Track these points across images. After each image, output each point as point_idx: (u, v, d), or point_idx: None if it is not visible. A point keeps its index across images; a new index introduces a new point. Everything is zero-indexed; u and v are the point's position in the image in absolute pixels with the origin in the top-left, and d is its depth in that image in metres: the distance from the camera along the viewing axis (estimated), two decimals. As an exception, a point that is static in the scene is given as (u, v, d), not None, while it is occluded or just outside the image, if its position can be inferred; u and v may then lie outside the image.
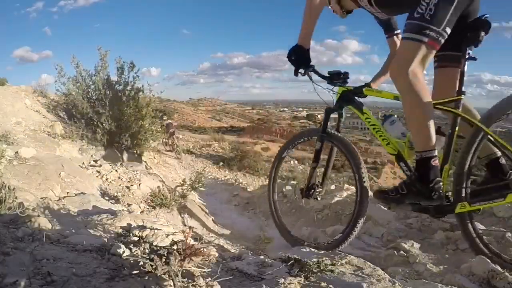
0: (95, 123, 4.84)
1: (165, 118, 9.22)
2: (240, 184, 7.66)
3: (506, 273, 1.58)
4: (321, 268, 1.44)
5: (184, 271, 1.05)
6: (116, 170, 4.16)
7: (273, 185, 2.40)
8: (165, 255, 1.05)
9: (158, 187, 3.72)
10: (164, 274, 1.01)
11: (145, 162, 5.51)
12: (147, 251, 1.21)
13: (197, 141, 15.22)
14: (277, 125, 50.54)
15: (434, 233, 3.53)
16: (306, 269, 1.40)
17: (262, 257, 1.87)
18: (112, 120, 4.87)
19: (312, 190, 2.13)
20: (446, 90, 1.54)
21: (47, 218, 1.77)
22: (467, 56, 1.47)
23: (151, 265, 1.01)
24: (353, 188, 5.13)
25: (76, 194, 2.95)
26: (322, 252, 2.19)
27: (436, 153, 1.43)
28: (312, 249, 2.07)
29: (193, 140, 15.66)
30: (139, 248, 1.34)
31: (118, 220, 2.02)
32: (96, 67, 5.17)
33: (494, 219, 3.72)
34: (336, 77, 1.89)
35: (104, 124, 4.79)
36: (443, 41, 1.38)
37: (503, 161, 1.49)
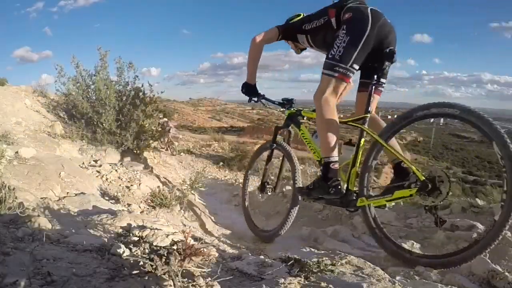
0: (95, 123, 4.83)
1: (161, 116, 9.23)
2: (240, 184, 7.66)
3: (506, 273, 1.58)
4: (321, 268, 1.44)
5: (184, 271, 1.05)
6: (116, 170, 4.15)
7: (244, 197, 2.96)
8: (165, 255, 1.05)
9: (158, 187, 3.72)
10: (164, 274, 1.01)
11: (145, 162, 5.50)
12: (147, 251, 1.21)
13: (197, 141, 15.22)
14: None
15: (434, 233, 3.53)
16: (306, 269, 1.40)
17: (262, 257, 1.87)
18: (112, 120, 4.87)
19: (265, 187, 2.71)
20: (361, 110, 1.87)
21: (47, 218, 1.77)
22: (373, 82, 1.80)
23: (151, 265, 1.01)
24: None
25: (76, 194, 2.95)
26: (322, 252, 2.19)
27: (335, 159, 1.78)
28: (312, 249, 2.07)
29: (193, 140, 15.66)
30: (139, 248, 1.34)
31: (118, 220, 2.02)
32: (96, 67, 5.16)
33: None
34: (286, 103, 2.46)
35: (104, 124, 4.78)
36: (351, 74, 1.75)
37: (404, 165, 1.74)
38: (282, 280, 1.26)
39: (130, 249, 1.31)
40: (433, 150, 50.26)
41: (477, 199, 4.11)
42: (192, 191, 4.68)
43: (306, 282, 1.30)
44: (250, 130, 46.72)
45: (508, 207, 1.28)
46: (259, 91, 2.32)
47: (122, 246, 1.31)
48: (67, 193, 2.93)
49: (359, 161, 1.78)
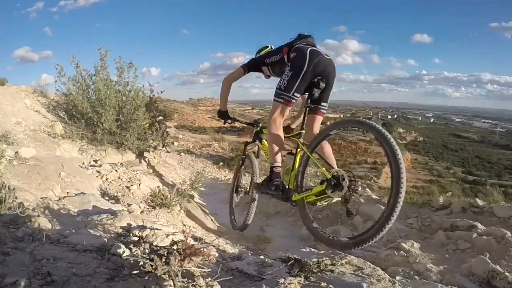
0: (95, 123, 4.83)
1: (157, 114, 9.25)
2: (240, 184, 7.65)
3: (506, 273, 1.58)
4: (321, 268, 1.44)
5: (184, 271, 1.05)
6: (116, 170, 4.15)
7: (231, 211, 3.44)
8: (165, 255, 1.05)
9: (158, 187, 3.72)
10: (164, 274, 1.01)
11: (145, 162, 5.50)
12: (147, 251, 1.21)
13: (197, 141, 15.21)
14: (277, 125, 50.44)
15: (434, 233, 3.53)
16: (306, 269, 1.40)
17: (262, 257, 1.87)
18: (112, 120, 4.87)
19: (238, 189, 3.37)
20: (300, 127, 2.32)
21: (47, 218, 1.77)
22: (307, 106, 2.24)
23: (151, 265, 1.01)
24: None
25: (76, 194, 2.95)
26: (322, 252, 2.19)
27: (278, 164, 2.25)
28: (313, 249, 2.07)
29: (193, 140, 15.65)
30: (139, 248, 1.34)
31: (118, 220, 2.02)
32: (96, 67, 5.16)
33: (494, 219, 3.73)
34: (253, 123, 3.08)
35: (104, 124, 4.78)
36: (294, 101, 2.18)
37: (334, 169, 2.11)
38: (282, 280, 1.26)
39: (130, 249, 1.31)
40: (431, 150, 50.32)
41: (477, 199, 4.12)
42: (192, 191, 4.68)
43: (306, 282, 1.30)
44: (250, 130, 46.68)
45: (395, 192, 1.54)
46: (235, 113, 3.20)
47: (122, 246, 1.31)
48: (67, 193, 2.93)
49: (296, 166, 2.20)
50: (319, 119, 2.33)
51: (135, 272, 1.05)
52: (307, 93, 2.21)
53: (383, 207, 4.32)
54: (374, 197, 4.86)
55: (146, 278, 1.04)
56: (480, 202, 3.98)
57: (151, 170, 5.18)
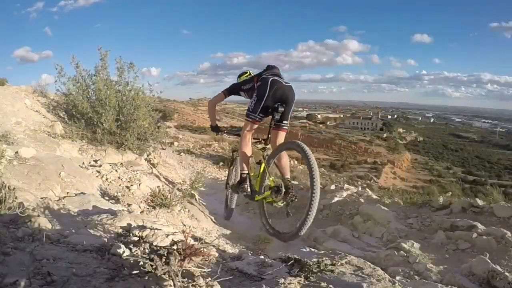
0: (95, 123, 4.83)
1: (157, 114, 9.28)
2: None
3: (506, 273, 1.58)
4: (321, 268, 1.44)
5: (184, 271, 1.05)
6: (116, 170, 4.15)
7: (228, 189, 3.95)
8: (165, 255, 1.05)
9: (158, 187, 3.71)
10: (164, 274, 1.01)
11: (145, 162, 5.50)
12: (147, 251, 1.21)
13: (197, 141, 15.22)
14: (277, 125, 50.47)
15: (434, 233, 3.52)
16: (306, 269, 1.40)
17: (262, 257, 1.87)
18: (112, 120, 4.87)
19: (227, 185, 3.86)
20: (266, 142, 2.93)
21: (47, 218, 1.77)
22: (270, 125, 2.79)
23: (151, 265, 1.01)
24: (353, 188, 5.25)
25: (76, 194, 2.95)
26: (322, 252, 2.19)
27: (245, 171, 2.87)
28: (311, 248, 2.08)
29: (193, 140, 15.66)
30: (139, 248, 1.33)
31: (118, 220, 2.02)
32: (96, 67, 5.15)
33: (494, 219, 3.73)
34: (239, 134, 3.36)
35: (104, 124, 4.78)
36: (259, 120, 2.74)
37: (286, 179, 2.64)
38: (282, 280, 1.26)
39: (130, 249, 1.31)
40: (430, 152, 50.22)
41: (477, 199, 4.12)
42: (192, 191, 4.68)
43: (306, 282, 1.30)
44: (250, 130, 46.71)
45: (312, 193, 2.07)
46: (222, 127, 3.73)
47: (122, 246, 1.31)
48: (67, 193, 2.93)
49: (260, 174, 2.76)
50: (281, 134, 2.82)
51: (135, 272, 1.05)
52: (270, 115, 2.72)
53: (383, 207, 4.31)
54: (374, 197, 4.86)
55: (146, 278, 1.04)
56: (480, 202, 3.97)
57: (151, 170, 5.18)
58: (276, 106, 2.66)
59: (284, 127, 2.80)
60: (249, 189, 2.85)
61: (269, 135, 2.85)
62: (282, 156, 2.66)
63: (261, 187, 2.70)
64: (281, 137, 2.82)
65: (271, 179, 2.54)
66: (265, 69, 3.00)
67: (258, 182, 2.75)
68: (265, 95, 2.66)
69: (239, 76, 3.39)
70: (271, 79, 2.73)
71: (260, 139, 3.04)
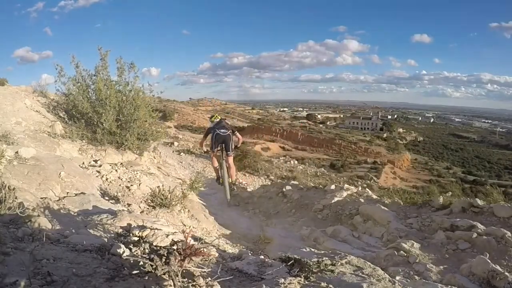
0: (95, 123, 4.83)
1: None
2: (240, 184, 7.67)
3: (506, 273, 1.58)
4: (321, 268, 1.44)
5: (184, 271, 1.05)
6: (116, 170, 4.15)
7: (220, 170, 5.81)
8: (165, 255, 1.05)
9: (158, 187, 3.71)
10: (164, 274, 1.01)
11: (145, 162, 5.50)
12: (147, 251, 1.21)
13: (197, 141, 15.21)
14: (277, 125, 50.53)
15: (434, 233, 3.52)
16: (306, 269, 1.40)
17: (262, 257, 1.87)
18: (112, 120, 4.87)
19: (218, 179, 5.73)
20: (220, 160, 5.59)
21: (47, 218, 1.77)
22: (222, 152, 5.43)
23: (151, 265, 1.01)
24: (353, 188, 5.24)
25: (76, 194, 2.95)
26: (322, 252, 2.19)
27: (215, 173, 5.84)
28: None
29: (193, 140, 15.66)
30: (139, 248, 1.33)
31: (118, 220, 2.02)
32: (96, 67, 5.15)
33: (494, 219, 3.73)
34: (221, 149, 5.63)
35: (104, 124, 4.78)
36: (216, 151, 5.41)
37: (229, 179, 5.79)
38: (282, 280, 1.26)
39: (130, 249, 1.31)
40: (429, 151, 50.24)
41: (477, 199, 4.11)
42: (192, 191, 4.68)
43: (306, 282, 1.30)
44: (250, 130, 46.71)
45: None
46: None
47: (122, 246, 1.31)
48: (67, 193, 2.93)
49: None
50: (228, 157, 5.38)
51: (135, 272, 1.05)
52: (220, 148, 5.29)
53: (382, 207, 4.31)
54: (374, 197, 4.86)
55: (146, 278, 1.04)
56: (480, 202, 3.97)
57: (151, 170, 5.18)
58: (219, 147, 5.30)
59: (228, 153, 5.35)
60: (220, 181, 5.56)
61: (223, 155, 5.37)
62: (227, 162, 5.42)
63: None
64: (228, 157, 5.40)
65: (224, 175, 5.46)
66: (216, 123, 5.39)
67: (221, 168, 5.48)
68: (213, 140, 5.28)
69: (210, 118, 5.65)
70: (215, 133, 5.26)
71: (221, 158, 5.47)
